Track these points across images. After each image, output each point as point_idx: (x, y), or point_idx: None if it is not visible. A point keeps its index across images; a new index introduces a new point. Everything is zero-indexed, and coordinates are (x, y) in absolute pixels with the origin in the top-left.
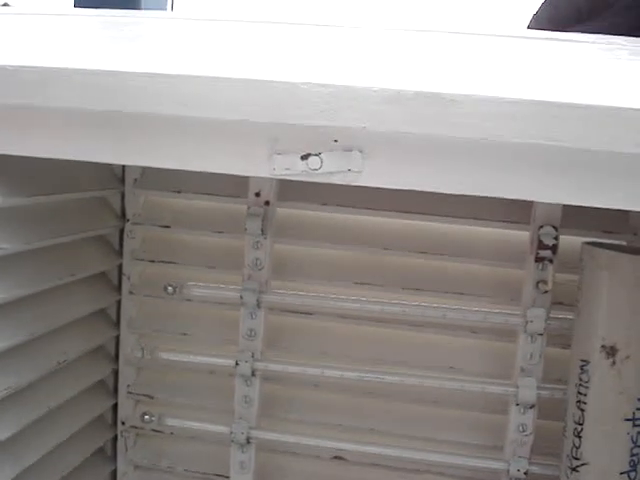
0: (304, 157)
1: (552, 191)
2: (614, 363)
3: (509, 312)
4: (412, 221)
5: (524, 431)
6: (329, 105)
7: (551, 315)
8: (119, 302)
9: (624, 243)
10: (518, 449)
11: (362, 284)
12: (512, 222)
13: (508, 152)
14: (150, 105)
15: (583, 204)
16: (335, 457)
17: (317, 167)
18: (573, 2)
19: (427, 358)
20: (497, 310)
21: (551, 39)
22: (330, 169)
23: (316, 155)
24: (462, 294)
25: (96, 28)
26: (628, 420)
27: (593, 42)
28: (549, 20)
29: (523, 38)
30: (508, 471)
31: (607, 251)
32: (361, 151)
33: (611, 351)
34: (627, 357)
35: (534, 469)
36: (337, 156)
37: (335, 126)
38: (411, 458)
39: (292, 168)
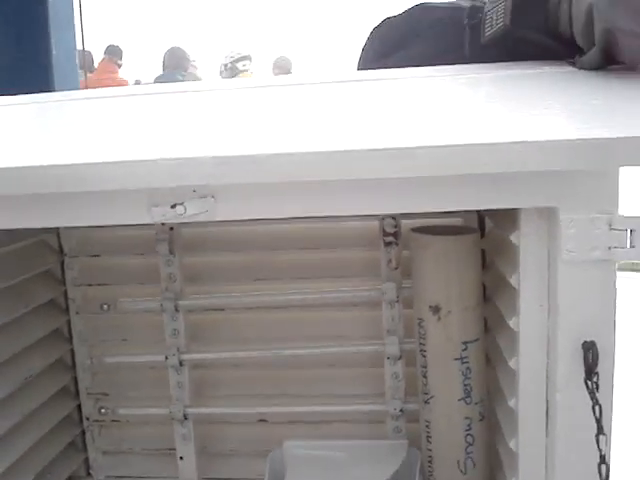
0: (172, 206)
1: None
2: (439, 318)
3: (372, 287)
4: (292, 225)
5: (397, 378)
6: (181, 171)
7: (403, 286)
8: (69, 321)
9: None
10: (394, 393)
11: (260, 280)
12: (367, 216)
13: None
14: (66, 185)
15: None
16: (259, 420)
17: (183, 212)
18: (387, 35)
19: (319, 331)
20: (364, 287)
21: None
22: (193, 212)
23: (180, 204)
24: (339, 277)
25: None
26: (457, 359)
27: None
28: (374, 55)
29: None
30: (388, 411)
31: (424, 235)
32: (213, 197)
33: (436, 309)
34: (449, 312)
35: (407, 407)
36: (196, 203)
37: (189, 185)
38: (320, 411)
39: (166, 215)
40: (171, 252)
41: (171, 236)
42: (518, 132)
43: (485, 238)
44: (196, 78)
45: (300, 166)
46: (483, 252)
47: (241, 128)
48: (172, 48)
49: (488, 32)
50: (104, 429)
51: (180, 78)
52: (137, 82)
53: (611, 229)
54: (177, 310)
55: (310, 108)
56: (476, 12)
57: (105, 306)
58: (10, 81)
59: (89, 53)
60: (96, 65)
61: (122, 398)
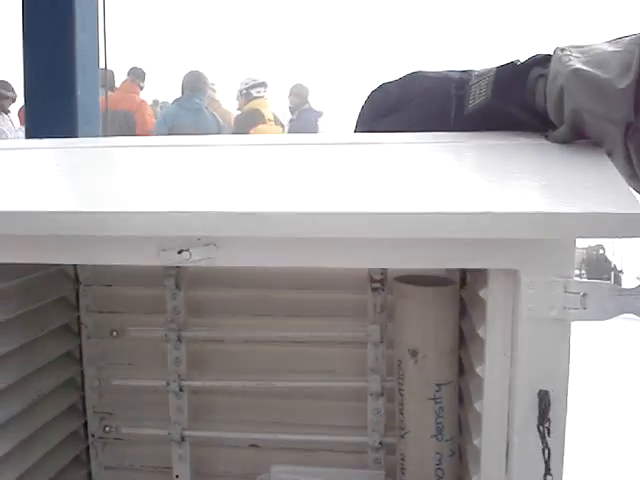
0: (179, 252)
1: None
2: (416, 361)
3: (359, 328)
4: (288, 267)
5: (378, 413)
6: (188, 223)
7: (388, 328)
8: (80, 345)
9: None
10: (375, 426)
11: (257, 315)
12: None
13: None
14: (88, 229)
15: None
16: (251, 445)
17: (188, 258)
18: (382, 99)
19: (309, 366)
20: (351, 327)
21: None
22: (196, 258)
23: (186, 250)
24: (329, 316)
25: (44, 163)
26: (430, 399)
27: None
28: (370, 117)
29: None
30: (368, 443)
31: (405, 285)
32: (215, 245)
33: (414, 353)
34: (425, 356)
35: (387, 440)
36: (200, 250)
37: (194, 235)
38: (306, 440)
39: (173, 259)
40: (177, 287)
41: (178, 272)
42: (486, 202)
43: (465, 288)
44: (214, 101)
45: (292, 224)
46: (463, 301)
47: (243, 184)
48: (191, 71)
49: (471, 104)
50: (107, 446)
51: (198, 101)
52: (155, 102)
53: (566, 292)
54: (180, 340)
55: (305, 169)
56: (463, 84)
57: (114, 332)
58: (38, 119)
59: (111, 72)
60: (118, 84)
61: (125, 418)
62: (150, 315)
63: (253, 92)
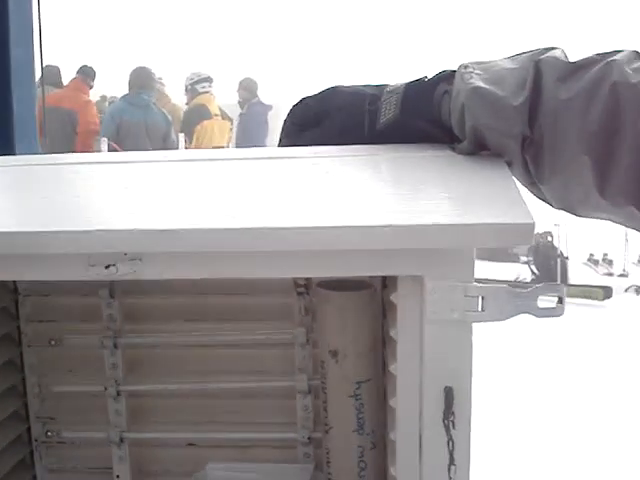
0: (107, 267)
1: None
2: (337, 361)
3: (286, 330)
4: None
5: (306, 410)
6: (114, 240)
7: (313, 330)
8: (21, 353)
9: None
10: (304, 423)
11: (190, 320)
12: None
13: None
14: (19, 248)
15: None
16: (188, 444)
17: (115, 272)
18: (304, 112)
19: (240, 367)
20: (279, 329)
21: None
22: (123, 272)
23: (113, 265)
24: (259, 320)
25: None
26: (351, 396)
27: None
28: (292, 130)
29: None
30: (298, 439)
31: (324, 290)
32: (140, 259)
33: (334, 354)
34: (345, 356)
35: (315, 435)
36: (126, 264)
37: (121, 251)
38: (242, 438)
39: (100, 274)
40: (111, 295)
41: (112, 282)
42: (391, 215)
43: (385, 292)
44: (164, 96)
45: (212, 240)
46: (384, 303)
47: (166, 202)
48: (138, 67)
49: (382, 119)
50: (50, 449)
51: (146, 98)
52: (103, 97)
53: (466, 296)
54: (116, 347)
55: (225, 184)
56: (376, 100)
57: (53, 341)
58: None
59: (56, 68)
60: (65, 82)
61: (67, 422)
62: (87, 323)
63: (198, 87)
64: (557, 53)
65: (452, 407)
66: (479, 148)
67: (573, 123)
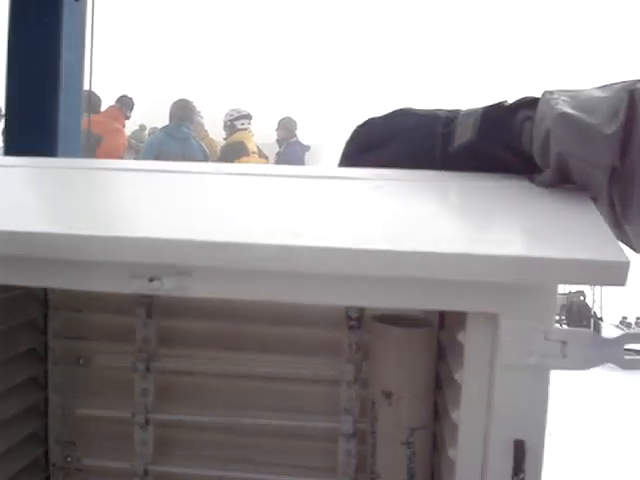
0: (150, 280)
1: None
2: (390, 404)
3: (333, 366)
4: (264, 300)
5: (349, 455)
6: (161, 250)
7: (363, 368)
8: (46, 371)
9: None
10: (346, 468)
11: (229, 349)
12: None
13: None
14: (56, 252)
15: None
16: None
17: (159, 287)
18: (368, 134)
19: (280, 403)
20: (325, 365)
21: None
22: (168, 287)
23: (158, 279)
24: (303, 353)
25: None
26: (403, 444)
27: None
28: (355, 151)
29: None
30: None
31: (381, 324)
32: (189, 275)
33: (388, 395)
34: (399, 398)
35: None
36: (173, 279)
37: (167, 262)
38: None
39: (143, 287)
40: (149, 315)
41: (150, 300)
42: (467, 244)
43: (443, 331)
44: (202, 130)
45: (267, 257)
46: (441, 344)
47: (222, 213)
48: (180, 99)
49: (457, 142)
50: (68, 477)
51: (186, 130)
52: (142, 127)
53: (546, 339)
54: (148, 370)
55: (287, 201)
56: (449, 122)
57: (81, 360)
58: (17, 137)
59: (97, 96)
60: (103, 109)
61: (88, 448)
62: (119, 343)
63: (237, 124)
64: None
65: (523, 463)
66: (562, 179)
67: None
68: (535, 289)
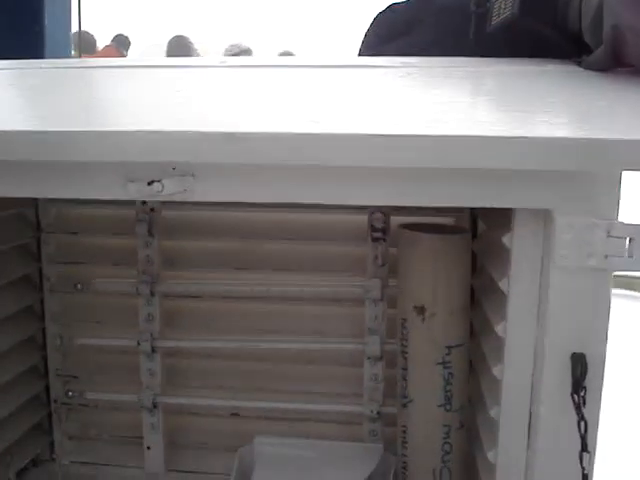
0: (149, 183)
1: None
2: (424, 320)
3: (356, 283)
4: (275, 213)
5: (376, 380)
6: (159, 145)
7: (389, 284)
8: (42, 299)
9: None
10: (373, 394)
11: (240, 269)
12: (354, 208)
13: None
14: (39, 153)
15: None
16: (232, 414)
17: (160, 190)
18: (390, 21)
19: (298, 326)
20: (347, 282)
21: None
22: (170, 191)
23: (158, 181)
24: (323, 270)
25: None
26: (439, 364)
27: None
28: (376, 40)
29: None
30: (364, 413)
31: (412, 232)
32: (193, 175)
33: (421, 310)
34: (433, 314)
35: (385, 410)
36: (175, 181)
37: (169, 161)
38: (294, 409)
39: (142, 192)
40: (150, 234)
41: (151, 217)
42: (515, 129)
43: (476, 240)
44: None
45: (282, 148)
46: (474, 255)
47: (230, 106)
48: (176, 36)
49: (495, 21)
50: (72, 413)
51: None
52: None
53: (609, 236)
54: (153, 294)
55: (302, 91)
56: (484, 1)
57: (79, 285)
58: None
59: (91, 35)
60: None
61: (91, 382)
62: (120, 267)
63: None
64: None
65: (584, 380)
66: (616, 59)
67: None
68: (596, 178)
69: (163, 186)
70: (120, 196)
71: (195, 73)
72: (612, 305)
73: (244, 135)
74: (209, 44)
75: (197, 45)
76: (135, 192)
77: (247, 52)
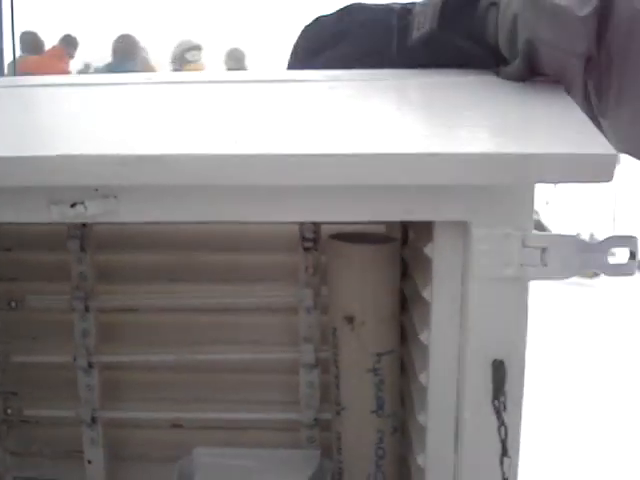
0: (72, 205)
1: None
2: (353, 328)
3: (290, 293)
4: (208, 225)
5: (312, 387)
6: (81, 169)
7: (322, 292)
8: None
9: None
10: (309, 401)
11: (175, 281)
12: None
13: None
14: None
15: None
16: (173, 425)
17: (83, 212)
18: (318, 34)
19: (235, 336)
20: (280, 292)
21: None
22: (93, 212)
23: (81, 204)
24: (257, 280)
25: None
26: (370, 371)
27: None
28: (303, 54)
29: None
30: (302, 420)
31: (340, 242)
32: (115, 197)
33: (350, 320)
34: (362, 323)
35: (322, 416)
36: (98, 202)
37: (90, 185)
38: (235, 418)
39: (65, 214)
40: (83, 249)
41: (83, 233)
42: (433, 145)
43: (406, 247)
44: (148, 66)
45: (208, 169)
46: (404, 261)
47: (154, 126)
48: (122, 35)
49: (415, 35)
50: (12, 430)
51: (130, 67)
52: (86, 66)
53: (524, 246)
54: (87, 310)
55: (225, 108)
56: (406, 14)
57: (13, 303)
58: None
59: (34, 34)
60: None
61: (30, 398)
62: (54, 282)
63: (188, 56)
64: None
65: (504, 385)
66: (531, 70)
67: None
68: (510, 191)
69: (86, 208)
70: (44, 219)
71: (118, 91)
72: (562, 292)
73: (162, 157)
74: (157, 42)
75: (144, 43)
76: (58, 215)
77: (197, 48)
